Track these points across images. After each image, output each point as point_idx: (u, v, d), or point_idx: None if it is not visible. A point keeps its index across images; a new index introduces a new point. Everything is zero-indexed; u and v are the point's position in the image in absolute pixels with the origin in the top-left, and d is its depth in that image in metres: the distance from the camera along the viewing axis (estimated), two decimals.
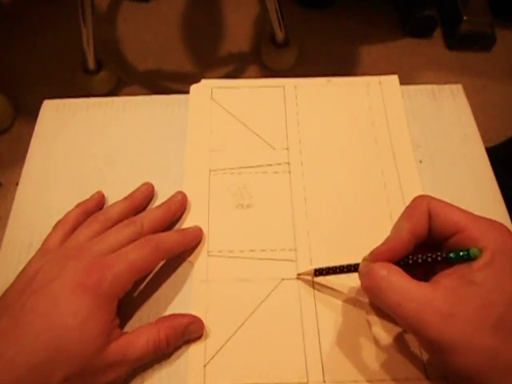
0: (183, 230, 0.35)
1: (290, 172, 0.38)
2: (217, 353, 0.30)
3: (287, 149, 0.39)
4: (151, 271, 0.33)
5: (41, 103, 0.42)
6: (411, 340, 0.31)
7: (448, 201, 0.28)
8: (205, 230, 0.35)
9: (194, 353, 0.30)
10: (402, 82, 0.43)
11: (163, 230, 0.34)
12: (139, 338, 0.28)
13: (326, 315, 0.32)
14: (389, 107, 0.41)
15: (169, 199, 0.36)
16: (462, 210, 0.27)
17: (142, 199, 0.36)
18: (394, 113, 0.41)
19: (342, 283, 0.33)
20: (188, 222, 0.36)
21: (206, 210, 0.36)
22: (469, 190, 0.38)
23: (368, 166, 0.39)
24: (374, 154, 0.39)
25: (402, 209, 0.29)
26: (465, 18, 1.22)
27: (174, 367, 0.30)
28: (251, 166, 0.38)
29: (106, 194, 0.37)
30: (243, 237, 0.35)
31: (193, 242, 0.34)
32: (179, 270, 0.34)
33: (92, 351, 0.26)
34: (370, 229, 0.35)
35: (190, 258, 0.34)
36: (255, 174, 0.38)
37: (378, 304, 0.27)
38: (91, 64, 1.06)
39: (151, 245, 0.30)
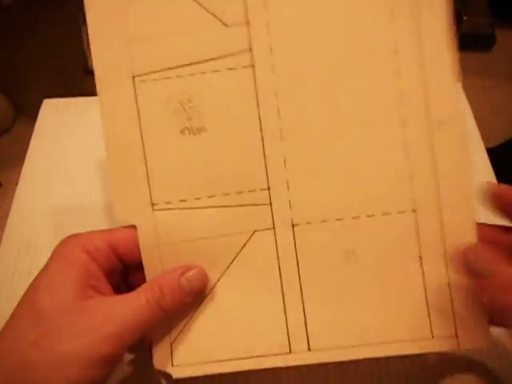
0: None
1: (253, 66, 0.25)
2: (184, 327, 0.26)
3: (247, 23, 0.25)
4: None
5: (41, 103, 0.43)
6: (410, 294, 0.25)
7: None
8: (142, 173, 0.26)
9: (158, 329, 0.25)
10: None
11: None
12: (136, 296, 0.24)
13: (310, 272, 0.26)
14: None
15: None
16: None
17: None
18: None
19: (330, 235, 0.26)
20: (116, 165, 0.26)
21: (138, 142, 0.26)
22: None
23: (377, 50, 0.25)
24: (388, 35, 0.25)
25: (423, 129, 0.24)
26: (465, 18, 1.22)
27: None
28: (194, 63, 0.25)
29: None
30: (197, 178, 0.26)
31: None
32: None
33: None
34: (373, 154, 0.25)
35: (131, 219, 0.26)
36: (202, 75, 0.25)
37: None
38: (91, 64, 1.06)
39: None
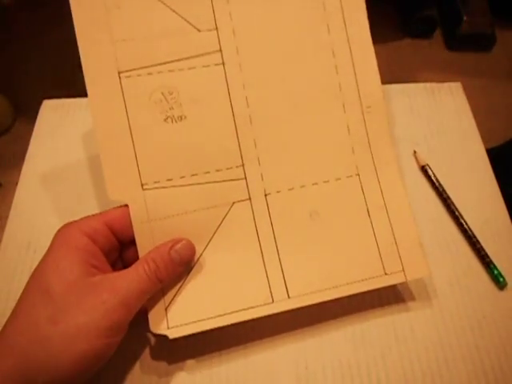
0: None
1: (223, 63, 0.30)
2: (176, 292, 0.29)
3: (216, 29, 0.30)
4: None
5: (41, 103, 0.42)
6: (364, 242, 0.31)
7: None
8: (131, 158, 0.29)
9: (152, 298, 0.28)
10: (402, 82, 0.43)
11: None
12: (136, 270, 0.27)
13: (283, 232, 0.30)
14: None
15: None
16: None
17: None
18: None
19: (297, 200, 0.31)
20: (107, 152, 0.29)
21: (126, 130, 0.29)
22: (469, 190, 0.38)
23: (319, 53, 0.32)
24: (327, 43, 0.32)
25: (358, 112, 0.30)
26: (465, 18, 1.22)
27: None
28: (173, 61, 0.30)
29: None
30: (181, 159, 0.30)
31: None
32: None
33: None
34: (324, 132, 0.32)
35: (123, 199, 0.29)
36: (180, 71, 0.30)
37: None
38: None
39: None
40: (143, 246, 0.28)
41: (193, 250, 0.29)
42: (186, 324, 0.28)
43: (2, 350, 0.24)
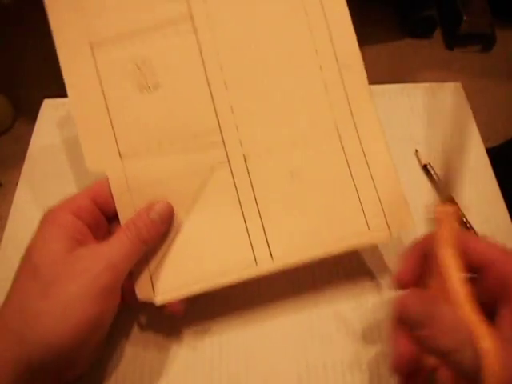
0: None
1: (195, 31, 0.30)
2: (160, 260, 0.29)
3: None
4: None
5: (41, 103, 0.42)
6: (347, 199, 0.30)
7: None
8: (108, 129, 0.29)
9: (138, 266, 0.28)
10: (402, 82, 0.43)
11: None
12: (117, 236, 0.27)
13: (264, 194, 0.30)
14: None
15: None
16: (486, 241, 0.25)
17: None
18: None
19: (276, 161, 0.30)
20: (83, 124, 0.29)
21: (101, 101, 0.29)
22: (469, 190, 0.38)
23: (292, 13, 0.32)
24: (299, 3, 0.31)
25: (335, 70, 0.31)
26: (465, 18, 1.22)
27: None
28: (145, 30, 0.30)
29: None
30: (158, 128, 0.30)
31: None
32: None
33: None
34: (301, 92, 0.31)
35: (101, 169, 0.29)
36: (152, 40, 0.30)
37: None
38: None
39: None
40: (125, 216, 0.29)
41: (171, 209, 0.29)
42: (171, 290, 0.28)
43: None
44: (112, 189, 0.29)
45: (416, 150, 0.39)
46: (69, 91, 0.29)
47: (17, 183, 0.39)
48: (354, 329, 0.32)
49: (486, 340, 0.20)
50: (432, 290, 0.24)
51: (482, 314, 0.22)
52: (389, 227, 0.30)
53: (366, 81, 0.32)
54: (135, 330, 0.32)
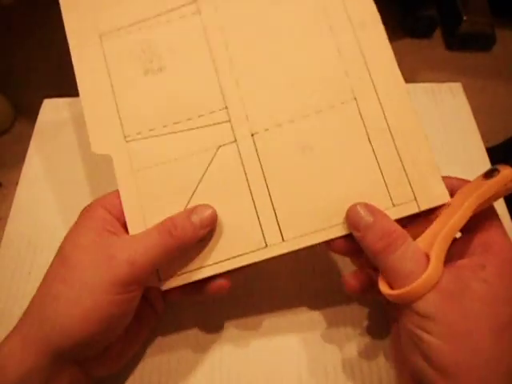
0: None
1: (199, 12, 0.30)
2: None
3: None
4: None
5: (41, 103, 0.42)
6: (366, 172, 0.28)
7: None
8: (113, 112, 0.29)
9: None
10: None
11: None
12: (149, 230, 0.27)
13: (273, 172, 0.28)
14: None
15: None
16: None
17: None
18: None
19: (286, 136, 0.29)
20: (90, 108, 0.29)
21: (108, 86, 0.30)
22: None
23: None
24: None
25: (348, 31, 0.29)
26: (465, 18, 1.22)
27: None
28: (150, 17, 0.30)
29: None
30: (162, 109, 0.29)
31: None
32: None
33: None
34: (311, 60, 0.29)
35: (107, 151, 0.29)
36: (158, 26, 0.30)
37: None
38: None
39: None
40: (127, 197, 0.28)
41: (214, 215, 0.27)
42: (178, 275, 0.28)
43: (23, 317, 0.25)
44: (115, 170, 0.29)
45: None
46: (78, 76, 0.30)
47: (17, 183, 0.39)
48: (354, 328, 0.32)
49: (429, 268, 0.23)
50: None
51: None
52: (417, 203, 0.27)
53: (385, 40, 0.29)
54: None
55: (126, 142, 0.29)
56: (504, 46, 1.27)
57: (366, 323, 0.32)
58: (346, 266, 0.34)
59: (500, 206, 0.37)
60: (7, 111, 1.12)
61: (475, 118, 0.42)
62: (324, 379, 0.30)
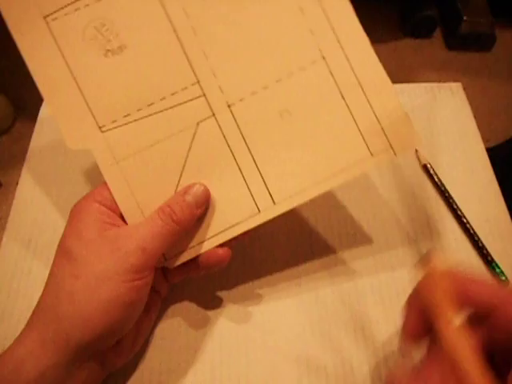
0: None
1: None
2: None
3: None
4: None
5: (41, 103, 0.42)
6: (343, 128, 0.29)
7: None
8: (80, 101, 0.28)
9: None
10: (402, 82, 0.43)
11: None
12: (151, 217, 0.27)
13: (255, 140, 0.29)
14: None
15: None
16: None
17: None
18: None
19: (263, 102, 0.29)
20: (55, 103, 0.28)
21: (67, 75, 0.28)
22: (469, 189, 0.38)
23: None
24: None
25: (317, 7, 0.28)
26: (465, 18, 1.22)
27: None
28: None
29: None
30: (133, 91, 0.28)
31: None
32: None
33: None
34: (275, 23, 0.29)
35: (84, 146, 0.28)
36: (108, 0, 0.28)
37: None
38: None
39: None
40: (117, 190, 0.28)
41: (207, 192, 0.28)
42: (182, 252, 0.28)
43: (36, 315, 0.25)
44: (98, 163, 0.28)
45: (416, 150, 0.39)
46: (31, 70, 0.28)
47: (17, 183, 0.39)
48: (354, 328, 0.32)
49: None
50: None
51: (490, 371, 0.20)
52: (393, 149, 0.29)
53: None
54: None
55: (102, 132, 0.28)
56: (504, 46, 1.27)
57: (366, 323, 0.32)
58: (343, 246, 0.34)
59: (500, 206, 0.37)
60: (7, 111, 1.12)
61: (475, 117, 0.42)
62: (324, 379, 0.30)
